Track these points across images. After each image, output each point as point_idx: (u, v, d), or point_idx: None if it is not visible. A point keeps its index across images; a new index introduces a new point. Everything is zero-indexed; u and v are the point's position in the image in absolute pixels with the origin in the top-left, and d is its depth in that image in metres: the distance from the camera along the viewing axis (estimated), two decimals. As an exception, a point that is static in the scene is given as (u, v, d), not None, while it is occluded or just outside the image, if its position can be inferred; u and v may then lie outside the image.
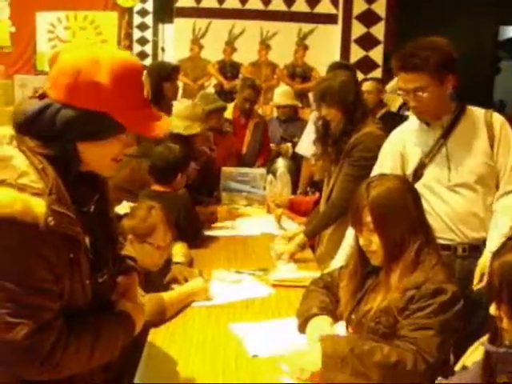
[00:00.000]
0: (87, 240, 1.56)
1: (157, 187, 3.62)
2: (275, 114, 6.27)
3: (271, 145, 5.72)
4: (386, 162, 2.94)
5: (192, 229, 3.61)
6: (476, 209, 2.74)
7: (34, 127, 1.51)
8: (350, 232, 2.67)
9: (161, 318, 2.49)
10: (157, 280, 2.87)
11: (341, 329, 2.28)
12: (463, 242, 2.75)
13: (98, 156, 1.57)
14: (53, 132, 1.49)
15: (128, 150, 1.64)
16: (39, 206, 1.41)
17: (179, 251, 3.16)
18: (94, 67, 1.49)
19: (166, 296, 2.60)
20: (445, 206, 2.74)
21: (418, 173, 2.82)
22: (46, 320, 1.44)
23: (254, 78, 6.04)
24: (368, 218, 2.13)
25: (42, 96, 1.53)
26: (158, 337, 2.37)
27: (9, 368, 1.47)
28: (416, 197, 2.22)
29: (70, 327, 1.51)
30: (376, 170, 2.93)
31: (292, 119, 5.82)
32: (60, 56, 1.53)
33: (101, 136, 1.53)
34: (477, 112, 2.80)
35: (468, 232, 2.75)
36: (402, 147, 2.90)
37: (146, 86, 1.60)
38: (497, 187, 2.75)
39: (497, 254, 1.68)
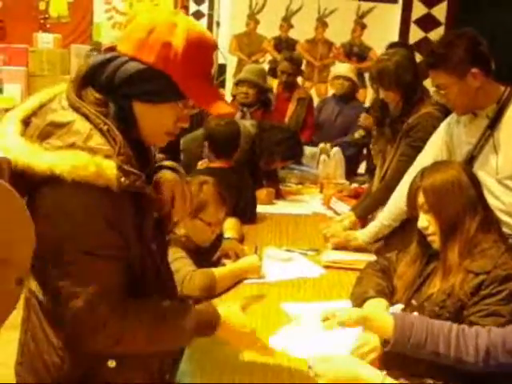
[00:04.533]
0: None
1: (216, 163, 3.60)
2: (330, 93, 6.16)
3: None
4: (431, 152, 2.88)
5: (250, 208, 3.61)
6: None
7: (95, 78, 1.48)
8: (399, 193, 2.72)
9: (210, 293, 2.46)
10: (207, 255, 2.85)
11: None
12: None
13: (153, 122, 1.53)
14: (112, 85, 1.46)
15: (184, 125, 1.59)
16: (111, 168, 1.38)
17: (231, 226, 3.12)
18: (169, 29, 1.47)
19: (217, 272, 2.57)
20: (494, 199, 2.60)
21: (467, 166, 2.72)
22: (107, 287, 1.42)
23: (293, 52, 5.94)
24: (422, 200, 2.12)
25: (110, 49, 1.51)
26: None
27: (70, 339, 1.47)
28: (473, 177, 2.17)
29: (132, 302, 1.49)
30: (419, 159, 2.87)
31: (348, 98, 5.69)
32: (138, 15, 1.51)
33: (159, 98, 1.49)
34: None
35: None
36: (448, 138, 2.84)
37: (214, 65, 1.56)
38: None
39: None
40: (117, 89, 1.47)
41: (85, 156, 1.37)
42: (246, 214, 3.50)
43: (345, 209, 3.91)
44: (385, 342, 1.88)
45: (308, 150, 4.90)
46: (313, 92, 7.01)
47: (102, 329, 1.43)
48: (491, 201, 2.52)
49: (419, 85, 3.41)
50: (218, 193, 2.73)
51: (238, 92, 4.88)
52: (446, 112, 3.10)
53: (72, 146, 1.39)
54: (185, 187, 1.71)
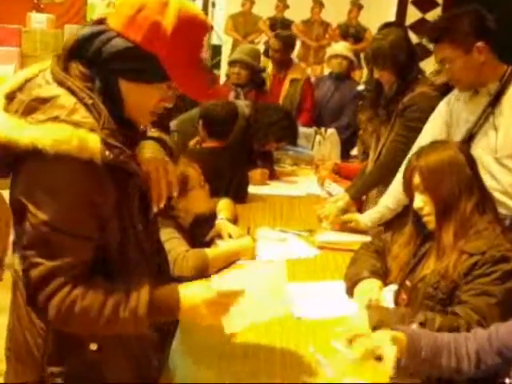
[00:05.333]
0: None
1: (209, 143, 3.58)
2: (326, 73, 6.12)
3: None
4: (431, 131, 2.84)
5: (243, 188, 3.59)
6: None
7: (82, 51, 1.45)
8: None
9: (202, 274, 2.42)
10: (201, 235, 2.83)
11: (388, 294, 2.19)
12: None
13: (137, 101, 1.49)
14: (98, 60, 1.43)
15: (168, 105, 1.55)
16: (95, 142, 1.35)
17: (225, 207, 3.09)
18: (160, 7, 1.42)
19: (210, 252, 2.55)
20: (491, 179, 2.57)
21: (466, 144, 2.69)
22: (71, 263, 1.40)
23: (283, 31, 5.87)
24: (418, 180, 2.10)
25: (98, 22, 1.47)
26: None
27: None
28: (470, 158, 2.15)
29: (93, 280, 1.45)
30: (419, 140, 2.84)
31: (344, 78, 5.63)
32: None
33: (143, 78, 1.46)
34: None
35: None
36: (448, 116, 2.80)
37: (205, 48, 1.51)
38: None
39: None
40: (102, 64, 1.43)
41: (68, 129, 1.34)
42: (239, 194, 3.48)
43: (339, 190, 3.88)
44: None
45: (303, 131, 4.86)
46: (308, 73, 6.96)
47: (53, 301, 1.40)
48: (488, 180, 2.50)
49: (414, 65, 3.36)
50: (189, 160, 2.73)
51: (231, 72, 4.88)
52: (442, 92, 3.07)
53: (55, 119, 1.36)
54: (160, 168, 1.65)
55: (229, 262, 2.60)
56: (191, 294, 1.53)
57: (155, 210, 1.63)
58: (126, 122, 1.50)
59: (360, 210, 3.60)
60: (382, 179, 3.29)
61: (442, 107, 2.86)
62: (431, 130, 2.86)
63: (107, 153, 1.36)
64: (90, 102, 1.40)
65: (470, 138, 2.65)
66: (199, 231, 2.78)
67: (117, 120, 1.45)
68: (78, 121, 1.37)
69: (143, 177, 1.55)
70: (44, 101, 1.39)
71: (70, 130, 1.34)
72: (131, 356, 1.61)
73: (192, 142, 3.75)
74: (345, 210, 3.31)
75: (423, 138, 2.83)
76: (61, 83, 1.42)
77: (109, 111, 1.42)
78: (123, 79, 1.45)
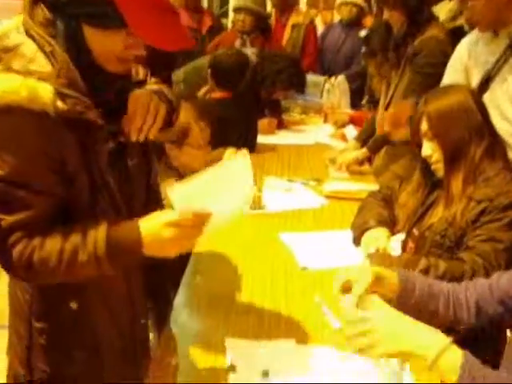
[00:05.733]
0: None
1: (218, 94, 3.54)
2: (336, 20, 5.97)
3: None
4: (449, 76, 2.74)
5: (251, 138, 3.55)
6: None
7: None
8: None
9: None
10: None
11: (396, 244, 2.16)
12: None
13: (100, 47, 1.41)
14: (58, 3, 1.36)
15: (136, 52, 1.47)
16: (47, 92, 1.29)
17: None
18: None
19: None
20: (507, 123, 2.48)
21: (484, 86, 2.59)
22: (32, 218, 1.36)
23: None
24: (426, 126, 2.02)
25: None
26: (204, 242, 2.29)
27: None
28: (480, 103, 2.06)
29: (54, 229, 1.40)
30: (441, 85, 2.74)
31: (355, 25, 5.49)
32: None
33: (101, 23, 1.38)
34: None
35: None
36: (466, 58, 2.68)
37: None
38: None
39: None
40: (62, 8, 1.36)
41: (18, 79, 1.29)
42: (247, 145, 3.42)
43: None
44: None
45: (311, 78, 4.77)
46: (318, 20, 6.79)
47: (14, 255, 1.36)
48: (503, 125, 2.43)
49: (425, 6, 3.25)
50: (197, 114, 2.65)
51: (236, 20, 4.78)
52: (453, 37, 2.97)
53: (8, 69, 1.31)
54: (150, 103, 1.55)
55: None
56: (151, 223, 1.42)
57: (133, 138, 1.52)
58: (96, 69, 1.42)
59: (370, 160, 3.55)
60: None
61: (461, 52, 2.74)
62: (451, 76, 2.75)
63: (59, 103, 1.30)
64: (48, 49, 1.34)
65: (487, 80, 2.56)
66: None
67: (85, 67, 1.38)
68: (33, 70, 1.31)
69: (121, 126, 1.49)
70: (8, 50, 1.34)
71: (19, 80, 1.29)
72: (115, 316, 1.57)
73: (201, 93, 3.68)
74: (360, 160, 3.29)
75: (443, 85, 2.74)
76: (26, 31, 1.37)
77: (75, 58, 1.36)
78: (85, 24, 1.38)
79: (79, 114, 1.33)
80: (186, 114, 2.52)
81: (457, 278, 1.77)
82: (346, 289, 1.44)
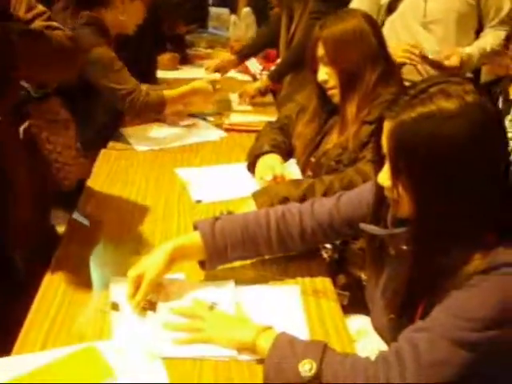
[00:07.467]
0: None
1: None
2: None
3: None
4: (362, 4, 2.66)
5: (150, 72, 3.45)
6: (447, 51, 2.49)
7: None
8: None
9: (160, 110, 2.64)
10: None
11: (293, 167, 2.11)
12: None
13: None
14: None
15: None
16: None
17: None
18: None
19: (166, 92, 2.67)
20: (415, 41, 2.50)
21: (393, 5, 2.55)
22: None
23: None
24: (322, 51, 1.99)
25: None
26: (98, 178, 2.22)
27: None
28: (376, 27, 2.03)
29: None
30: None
31: None
32: None
33: None
34: None
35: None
36: None
37: None
38: (476, 32, 2.51)
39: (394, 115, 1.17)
40: None
41: None
42: (147, 80, 3.29)
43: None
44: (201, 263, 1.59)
45: (215, 11, 4.63)
46: None
47: None
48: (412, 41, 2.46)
49: None
50: None
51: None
52: None
53: None
54: None
55: (185, 101, 2.76)
56: None
57: None
58: None
59: (274, 92, 3.48)
60: (300, 61, 3.12)
61: None
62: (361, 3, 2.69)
63: None
64: None
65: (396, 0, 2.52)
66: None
67: None
68: None
69: None
70: None
71: None
72: None
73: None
74: (261, 91, 3.21)
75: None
76: None
77: None
78: None
79: None
80: None
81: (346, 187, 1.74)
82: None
